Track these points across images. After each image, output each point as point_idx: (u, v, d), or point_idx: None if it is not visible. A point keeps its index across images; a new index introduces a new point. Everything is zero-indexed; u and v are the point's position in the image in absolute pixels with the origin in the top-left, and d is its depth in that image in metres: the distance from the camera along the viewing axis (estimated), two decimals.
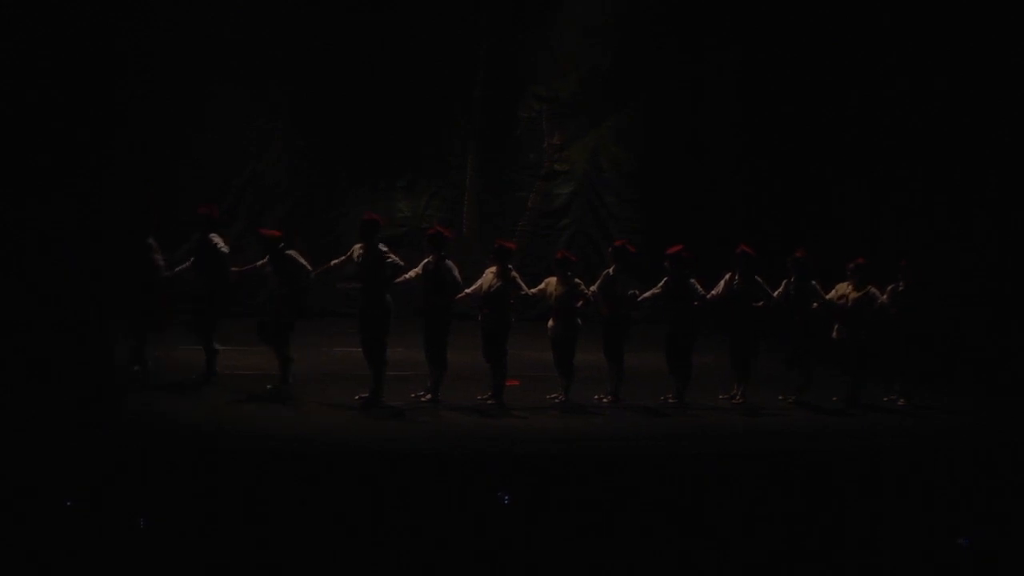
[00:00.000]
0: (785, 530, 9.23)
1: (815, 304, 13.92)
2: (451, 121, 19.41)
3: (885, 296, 14.05)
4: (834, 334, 14.14)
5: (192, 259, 13.89)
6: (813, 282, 13.93)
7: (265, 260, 13.45)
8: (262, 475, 9.85)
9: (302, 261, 13.22)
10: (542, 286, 13.39)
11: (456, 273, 13.03)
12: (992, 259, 17.10)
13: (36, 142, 13.15)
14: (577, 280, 13.30)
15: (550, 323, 13.36)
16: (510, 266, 13.17)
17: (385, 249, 13.00)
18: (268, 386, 13.18)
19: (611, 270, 13.52)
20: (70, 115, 13.36)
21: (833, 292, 14.09)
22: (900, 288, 14.09)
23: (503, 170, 19.79)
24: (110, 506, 8.87)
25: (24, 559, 8.18)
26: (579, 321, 13.29)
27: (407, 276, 13.05)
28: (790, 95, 19.11)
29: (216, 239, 13.78)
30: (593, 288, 13.43)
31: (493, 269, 13.13)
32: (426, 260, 13.07)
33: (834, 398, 14.13)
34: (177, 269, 13.98)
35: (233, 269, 13.85)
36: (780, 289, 13.92)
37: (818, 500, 10.01)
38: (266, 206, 18.45)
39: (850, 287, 14.02)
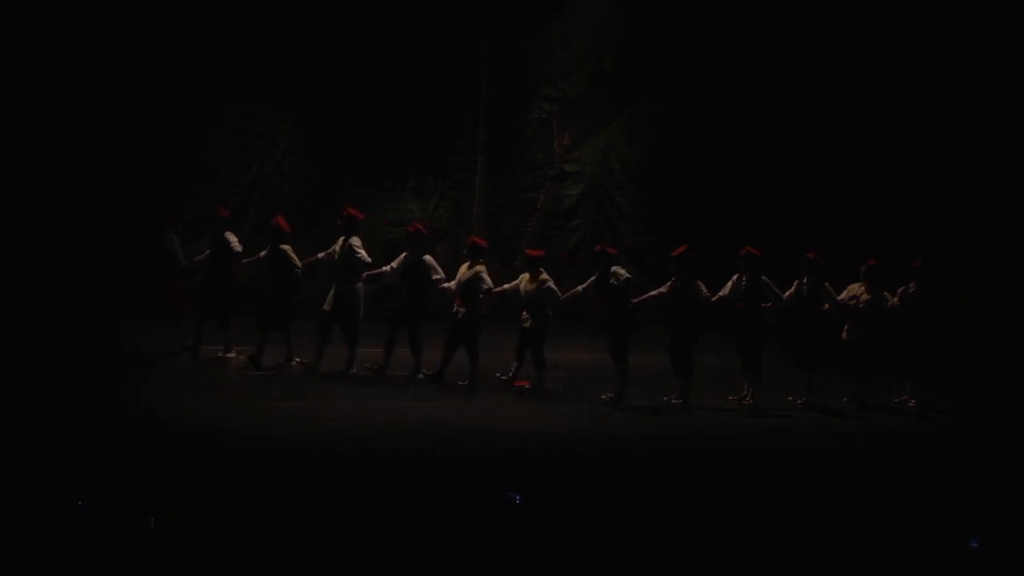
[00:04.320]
0: (785, 530, 9.17)
1: (826, 305, 13.85)
2: (459, 122, 19.38)
3: (896, 298, 13.99)
4: (844, 335, 14.10)
5: (208, 251, 14.62)
6: (826, 283, 13.87)
7: (266, 252, 14.26)
8: (262, 475, 9.81)
9: (292, 256, 14.12)
10: (516, 282, 13.90)
11: (436, 266, 13.95)
12: (992, 259, 16.95)
13: (44, 144, 13.19)
14: (545, 276, 13.65)
15: (524, 315, 13.72)
16: (481, 262, 13.75)
17: (357, 244, 13.93)
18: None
19: (601, 270, 13.55)
20: (78, 117, 13.38)
21: (845, 293, 14.06)
22: (911, 289, 14.01)
23: (512, 171, 19.77)
24: (111, 506, 8.83)
25: (25, 559, 8.15)
26: (550, 314, 13.67)
27: (384, 270, 14.09)
28: (795, 94, 18.98)
29: (231, 237, 14.46)
30: (586, 284, 13.62)
31: (465, 266, 13.80)
32: (404, 255, 14.04)
33: (844, 399, 14.07)
34: (196, 259, 14.84)
35: (242, 261, 14.53)
36: (791, 290, 13.88)
37: (820, 500, 9.95)
38: (272, 206, 18.40)
39: (862, 288, 14.00)
